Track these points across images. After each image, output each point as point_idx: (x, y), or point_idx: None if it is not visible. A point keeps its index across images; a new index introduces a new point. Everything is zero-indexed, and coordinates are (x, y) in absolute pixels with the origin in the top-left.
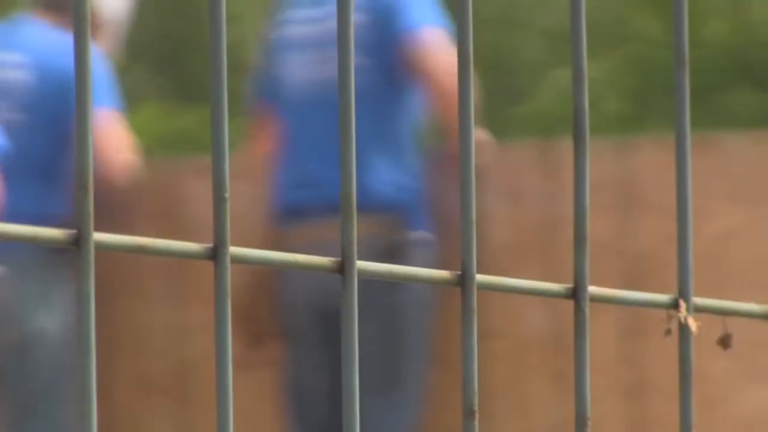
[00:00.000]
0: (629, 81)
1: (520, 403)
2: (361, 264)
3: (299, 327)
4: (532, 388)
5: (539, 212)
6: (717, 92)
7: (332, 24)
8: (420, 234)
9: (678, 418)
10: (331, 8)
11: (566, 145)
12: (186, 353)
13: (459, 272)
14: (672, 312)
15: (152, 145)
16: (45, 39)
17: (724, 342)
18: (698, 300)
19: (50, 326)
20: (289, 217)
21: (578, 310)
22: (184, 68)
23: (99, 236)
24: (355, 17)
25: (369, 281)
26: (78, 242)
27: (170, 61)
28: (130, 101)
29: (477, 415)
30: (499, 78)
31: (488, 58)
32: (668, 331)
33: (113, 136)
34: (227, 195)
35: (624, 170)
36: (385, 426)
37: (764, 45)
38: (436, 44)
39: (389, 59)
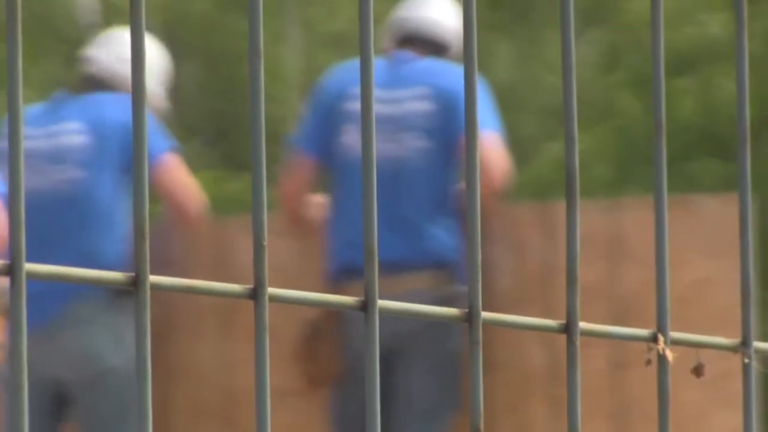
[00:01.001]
0: (613, 151)
1: (521, 424)
2: (381, 303)
3: (356, 366)
4: (531, 411)
5: (537, 262)
6: (687, 161)
7: (403, 108)
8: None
9: None
10: (404, 93)
11: (560, 206)
12: (233, 383)
13: (467, 310)
14: (652, 345)
15: (205, 207)
16: (96, 107)
17: (698, 371)
18: (674, 334)
19: (118, 361)
20: (343, 274)
21: (570, 344)
22: (232, 142)
23: (154, 278)
24: (422, 105)
25: (427, 327)
26: (136, 284)
27: (221, 136)
28: (187, 169)
29: None
30: None
31: None
32: (648, 362)
33: (182, 179)
34: (265, 243)
35: (610, 226)
36: None
37: (727, 122)
38: (491, 147)
39: (449, 145)
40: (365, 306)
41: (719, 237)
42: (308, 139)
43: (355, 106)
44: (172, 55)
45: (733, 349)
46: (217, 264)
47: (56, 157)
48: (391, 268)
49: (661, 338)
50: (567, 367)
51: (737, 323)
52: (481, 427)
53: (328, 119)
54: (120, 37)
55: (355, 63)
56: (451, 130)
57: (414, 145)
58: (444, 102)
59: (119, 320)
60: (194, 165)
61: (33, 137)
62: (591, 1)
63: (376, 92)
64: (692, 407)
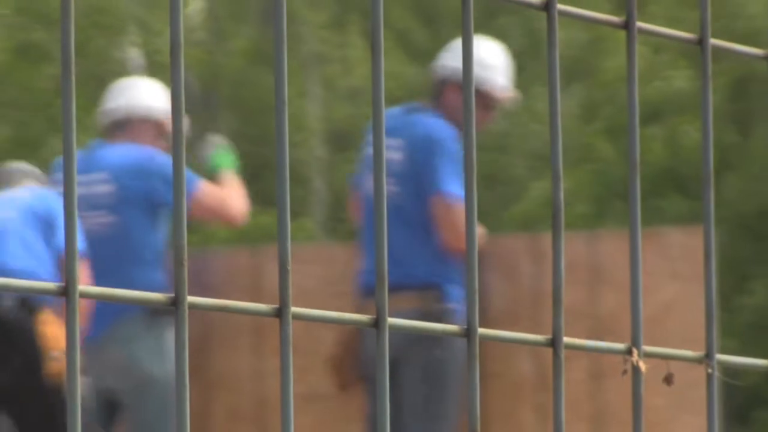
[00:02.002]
0: (592, 190)
1: (511, 428)
2: (391, 320)
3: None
4: (520, 416)
5: (527, 286)
6: (656, 198)
7: (396, 155)
8: (452, 304)
9: None
10: (396, 142)
11: (546, 237)
12: (264, 392)
13: (466, 326)
14: (627, 357)
15: (239, 238)
16: (117, 156)
17: (668, 380)
18: (646, 348)
19: (159, 372)
20: (366, 294)
21: (556, 357)
22: (263, 181)
23: (192, 299)
24: (394, 155)
25: (415, 341)
26: (176, 303)
27: (254, 176)
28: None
29: None
30: (494, 189)
31: (486, 174)
32: (624, 372)
33: (215, 197)
34: (289, 268)
35: (590, 255)
36: None
37: (690, 164)
38: (451, 206)
39: (418, 190)
40: (377, 323)
41: (684, 264)
42: (356, 180)
43: (370, 151)
44: (210, 105)
45: (698, 360)
46: (251, 287)
47: (92, 204)
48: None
49: (635, 351)
50: (553, 377)
51: (701, 338)
52: (478, 430)
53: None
54: (132, 86)
55: (389, 112)
56: (419, 181)
57: (391, 189)
58: (413, 156)
59: (161, 335)
60: None
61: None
62: (572, 61)
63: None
64: (661, 412)
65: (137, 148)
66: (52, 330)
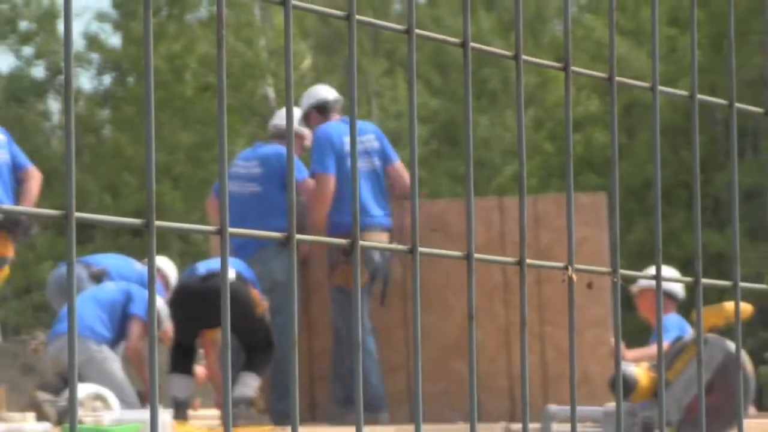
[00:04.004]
0: (539, 172)
1: (489, 317)
2: (363, 243)
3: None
4: (496, 309)
5: (497, 231)
6: (576, 176)
7: (365, 145)
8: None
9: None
10: (365, 138)
11: (512, 199)
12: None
13: (410, 246)
14: (565, 272)
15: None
16: (267, 152)
17: (589, 286)
18: (577, 265)
19: (281, 279)
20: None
21: (521, 271)
22: None
23: (299, 236)
24: (372, 143)
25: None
26: (288, 239)
27: None
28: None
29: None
30: (480, 171)
31: (476, 161)
32: (563, 280)
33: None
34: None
35: (535, 210)
36: None
37: (598, 156)
38: (403, 169)
39: (383, 164)
40: (352, 246)
41: (590, 215)
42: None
43: (347, 145)
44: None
45: (608, 273)
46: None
47: (249, 178)
48: (368, 226)
49: (570, 268)
50: (520, 285)
51: (605, 261)
52: (474, 314)
53: (335, 153)
54: (281, 113)
55: (341, 123)
56: (384, 159)
57: (370, 164)
58: (381, 145)
59: (284, 259)
60: None
61: (240, 167)
62: (528, 94)
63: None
64: (581, 306)
65: (279, 148)
66: (255, 292)
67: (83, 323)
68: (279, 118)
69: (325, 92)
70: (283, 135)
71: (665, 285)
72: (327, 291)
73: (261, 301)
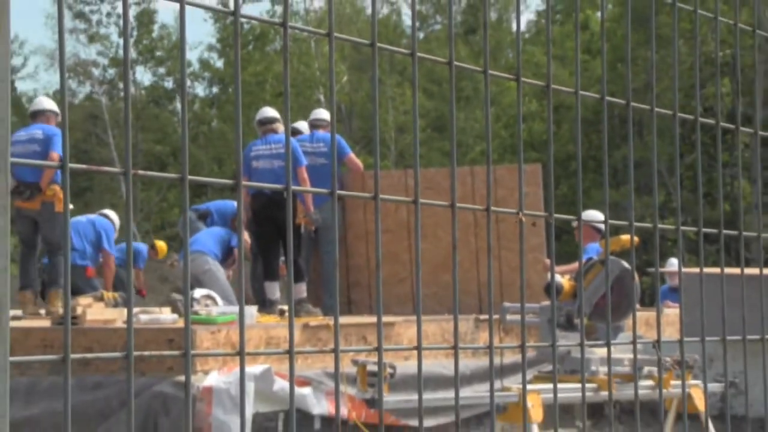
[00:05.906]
0: (499, 153)
1: (466, 252)
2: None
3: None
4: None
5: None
6: (513, 154)
7: (319, 149)
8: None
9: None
10: (318, 144)
11: (479, 170)
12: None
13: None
14: (517, 215)
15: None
16: (325, 135)
17: (535, 224)
18: (525, 211)
19: (332, 223)
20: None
21: (489, 215)
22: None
23: (339, 192)
24: (323, 148)
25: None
26: (332, 194)
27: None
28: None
29: None
30: (460, 147)
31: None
32: (516, 221)
33: (356, 159)
34: None
35: (495, 184)
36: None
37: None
38: (355, 159)
39: (341, 160)
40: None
41: (529, 179)
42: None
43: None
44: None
45: (545, 216)
46: None
47: (318, 154)
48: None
49: (521, 213)
50: (488, 221)
51: (541, 208)
52: (455, 242)
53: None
54: (317, 111)
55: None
56: (341, 156)
57: (322, 161)
58: (327, 145)
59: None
60: None
61: (308, 146)
62: (492, 95)
63: (310, 144)
64: (526, 237)
65: (327, 134)
66: (300, 207)
67: (206, 246)
68: (317, 114)
69: (324, 114)
70: (320, 125)
71: (595, 221)
72: (359, 227)
73: (302, 216)
